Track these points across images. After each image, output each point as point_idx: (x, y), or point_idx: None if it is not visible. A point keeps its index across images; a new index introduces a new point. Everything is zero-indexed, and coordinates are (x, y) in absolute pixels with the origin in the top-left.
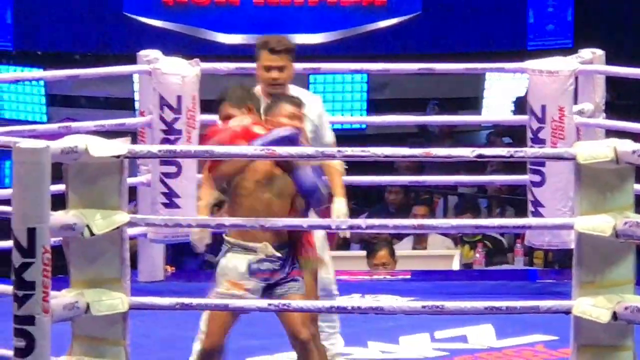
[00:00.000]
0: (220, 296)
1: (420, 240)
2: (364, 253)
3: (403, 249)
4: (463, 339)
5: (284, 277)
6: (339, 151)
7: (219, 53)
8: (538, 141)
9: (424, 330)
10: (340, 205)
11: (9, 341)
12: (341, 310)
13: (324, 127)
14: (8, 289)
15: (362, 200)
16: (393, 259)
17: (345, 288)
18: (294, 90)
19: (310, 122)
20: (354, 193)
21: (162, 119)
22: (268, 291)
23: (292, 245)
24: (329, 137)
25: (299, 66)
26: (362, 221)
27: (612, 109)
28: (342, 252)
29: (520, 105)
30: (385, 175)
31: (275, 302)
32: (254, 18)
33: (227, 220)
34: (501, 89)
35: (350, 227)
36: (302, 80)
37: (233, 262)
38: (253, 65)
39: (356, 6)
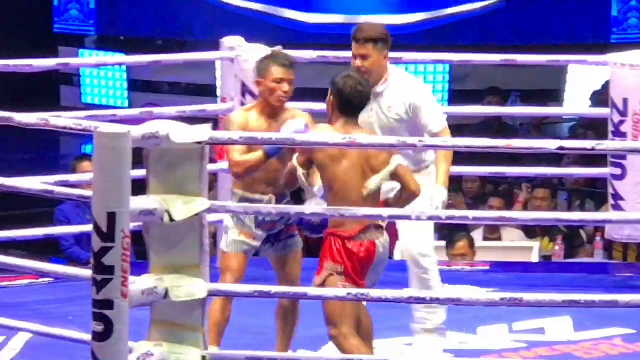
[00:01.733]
0: (233, 243)
1: (492, 231)
2: (443, 243)
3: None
4: (541, 331)
5: (282, 231)
6: (420, 141)
7: (302, 41)
8: (620, 134)
9: (502, 321)
10: (440, 191)
11: (88, 325)
12: (420, 300)
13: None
14: (87, 272)
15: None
16: (472, 250)
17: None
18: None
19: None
20: None
21: (242, 105)
22: (269, 243)
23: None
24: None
25: None
26: (442, 212)
27: None
28: None
29: (598, 99)
30: (463, 166)
31: (354, 291)
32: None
33: (306, 208)
34: (583, 81)
35: (430, 218)
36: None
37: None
38: (335, 53)
39: None
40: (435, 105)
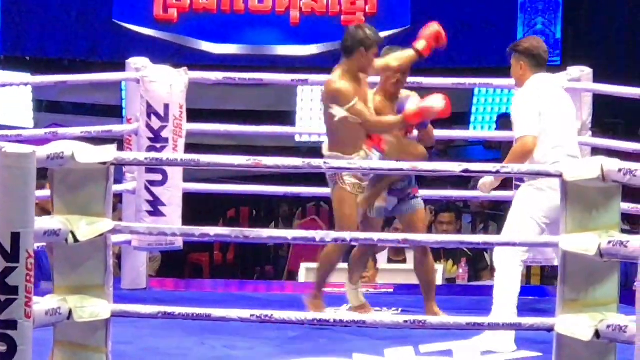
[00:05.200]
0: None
1: (397, 253)
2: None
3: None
4: (448, 353)
5: (408, 194)
6: (325, 163)
7: (207, 62)
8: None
9: (409, 343)
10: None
11: None
12: (324, 323)
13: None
14: None
15: None
16: (375, 268)
17: (331, 300)
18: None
19: None
20: None
21: (149, 126)
22: (399, 205)
23: None
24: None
25: (287, 77)
26: (347, 234)
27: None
28: None
29: (503, 121)
30: None
31: (258, 312)
32: (243, 28)
33: (212, 229)
34: (490, 104)
35: (335, 240)
36: (291, 91)
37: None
38: (241, 75)
39: (346, 18)
40: (522, 114)
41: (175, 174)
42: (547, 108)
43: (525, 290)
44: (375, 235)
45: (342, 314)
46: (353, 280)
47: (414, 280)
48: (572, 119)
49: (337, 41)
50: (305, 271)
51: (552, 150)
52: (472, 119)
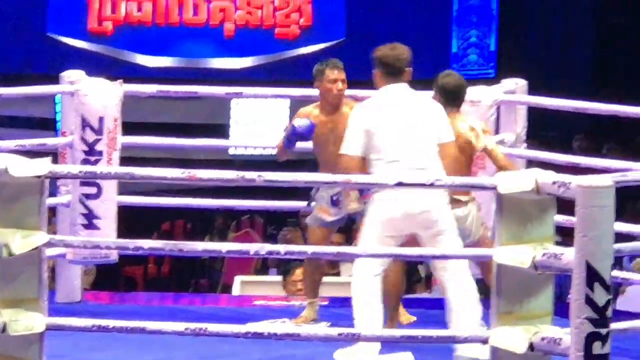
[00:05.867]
0: (314, 217)
1: (332, 266)
2: (280, 278)
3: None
4: None
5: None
6: (259, 176)
7: (142, 75)
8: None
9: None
10: None
11: None
12: (257, 336)
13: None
14: None
15: (281, 224)
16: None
17: (264, 313)
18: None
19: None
20: (272, 218)
21: (83, 139)
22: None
23: None
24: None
25: (221, 90)
26: (281, 247)
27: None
28: (260, 277)
29: None
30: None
31: (192, 325)
32: (177, 41)
33: (146, 242)
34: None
35: (270, 253)
36: (225, 104)
37: (322, 194)
38: (175, 88)
39: (281, 31)
40: (348, 131)
41: (109, 187)
42: (379, 124)
43: None
44: (310, 249)
45: (276, 326)
46: (312, 295)
47: (348, 293)
48: (418, 132)
49: (272, 54)
50: (240, 284)
51: (387, 165)
52: None
